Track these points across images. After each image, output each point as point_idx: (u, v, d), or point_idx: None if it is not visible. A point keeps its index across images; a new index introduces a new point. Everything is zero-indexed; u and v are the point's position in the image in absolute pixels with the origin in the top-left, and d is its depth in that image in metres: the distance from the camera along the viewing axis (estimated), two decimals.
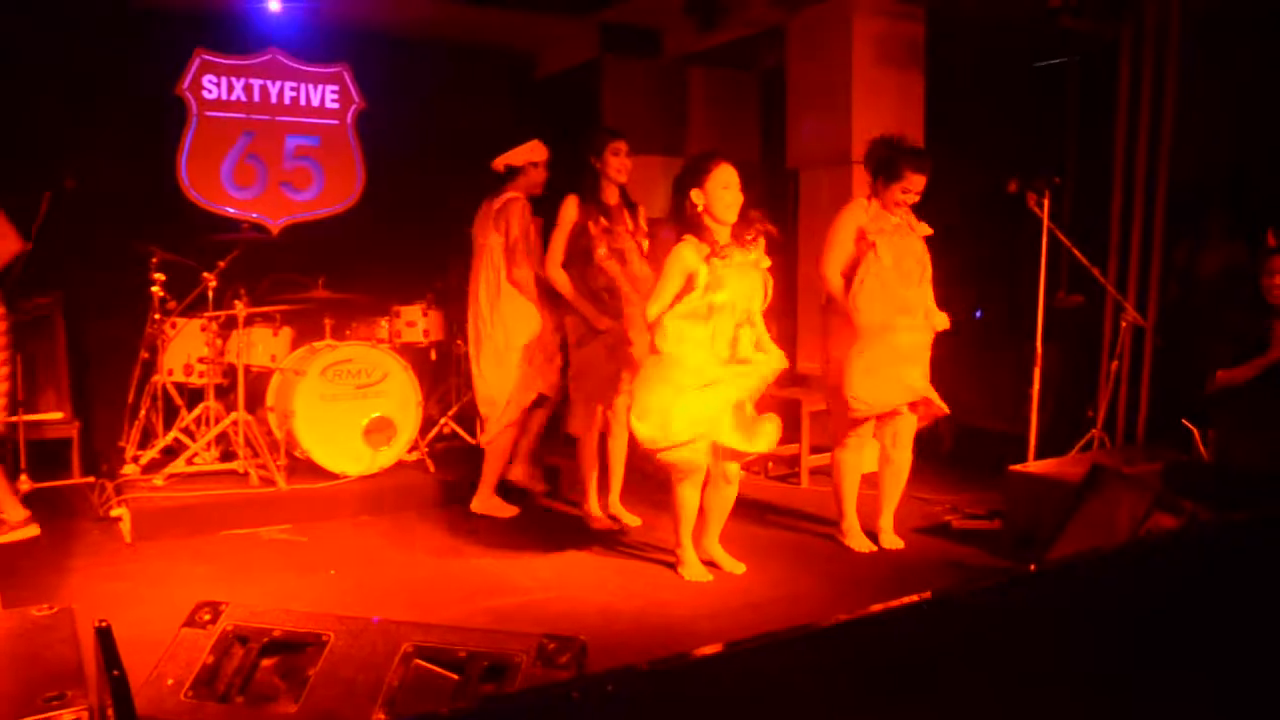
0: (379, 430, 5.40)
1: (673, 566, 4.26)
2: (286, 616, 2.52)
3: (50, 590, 3.92)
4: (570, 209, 4.70)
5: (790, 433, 4.71)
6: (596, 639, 2.30)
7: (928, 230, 4.46)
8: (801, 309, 6.31)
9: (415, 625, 2.42)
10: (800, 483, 5.83)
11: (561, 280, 4.71)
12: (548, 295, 4.91)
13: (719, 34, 6.63)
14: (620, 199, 4.80)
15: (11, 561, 4.27)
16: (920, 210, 4.48)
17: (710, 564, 4.29)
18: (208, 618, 2.52)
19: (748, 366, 3.98)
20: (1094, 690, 1.48)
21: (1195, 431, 4.76)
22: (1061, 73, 6.39)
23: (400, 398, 5.48)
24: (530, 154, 5.00)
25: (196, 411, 5.45)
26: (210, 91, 6.64)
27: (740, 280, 3.96)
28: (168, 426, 5.52)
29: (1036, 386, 5.01)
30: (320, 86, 6.97)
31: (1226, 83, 5.36)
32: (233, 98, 6.71)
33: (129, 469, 5.25)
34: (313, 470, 5.29)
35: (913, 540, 4.71)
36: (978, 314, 6.66)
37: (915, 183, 4.32)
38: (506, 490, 5.28)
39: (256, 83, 6.77)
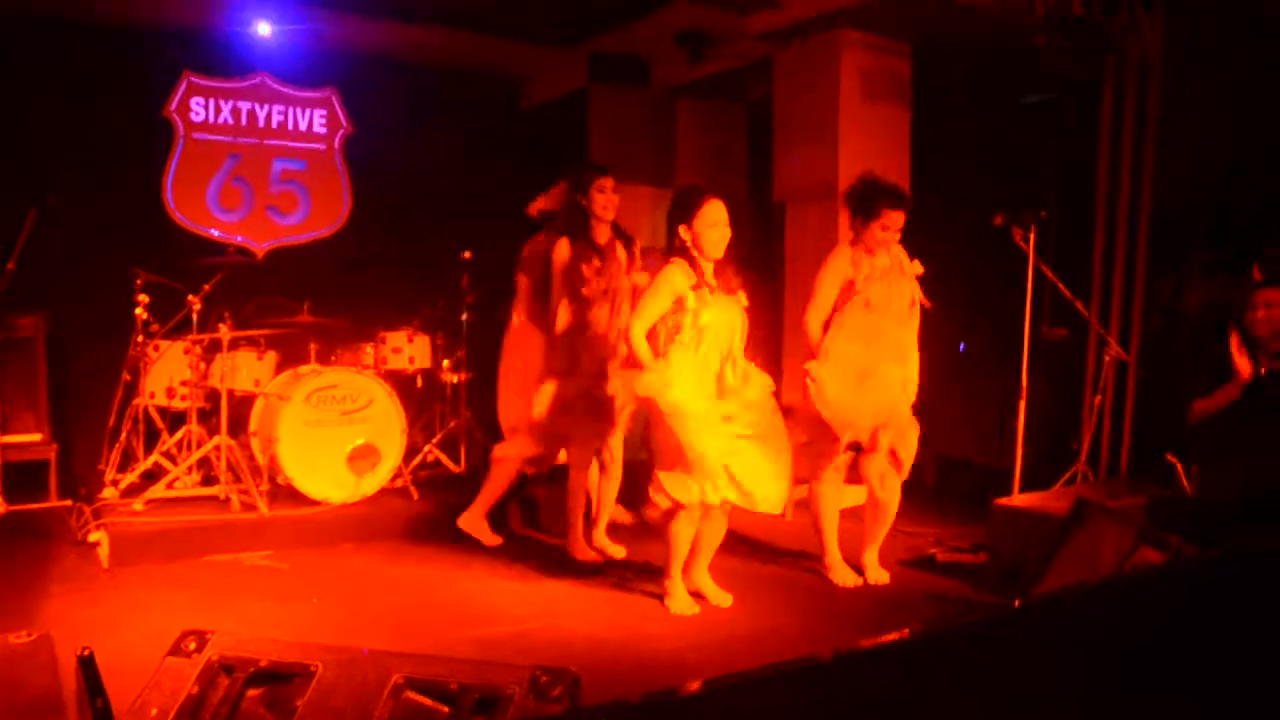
0: (363, 457, 5.36)
1: (659, 598, 4.24)
2: (274, 646, 2.47)
3: (27, 616, 3.84)
4: (562, 251, 4.67)
5: None
6: (583, 670, 2.27)
7: (919, 270, 4.44)
8: (787, 342, 6.32)
9: (405, 656, 2.38)
10: (785, 515, 5.80)
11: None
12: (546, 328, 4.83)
13: (708, 65, 6.69)
14: (612, 235, 4.75)
15: None
16: (904, 244, 4.47)
17: (696, 594, 4.27)
18: (193, 646, 2.46)
19: (745, 391, 3.98)
20: None
21: (1178, 465, 4.78)
22: (1047, 108, 6.46)
23: (385, 424, 5.44)
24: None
25: (178, 435, 5.39)
26: (197, 114, 6.63)
27: (723, 311, 3.99)
28: (148, 450, 5.45)
29: (1022, 420, 5.03)
30: (308, 110, 6.97)
31: (1209, 111, 5.43)
32: (220, 120, 6.70)
33: (108, 493, 5.17)
34: (295, 496, 5.24)
35: (897, 573, 4.70)
36: (961, 347, 6.69)
37: (894, 220, 4.31)
38: (496, 522, 5.20)
39: (244, 105, 6.77)
